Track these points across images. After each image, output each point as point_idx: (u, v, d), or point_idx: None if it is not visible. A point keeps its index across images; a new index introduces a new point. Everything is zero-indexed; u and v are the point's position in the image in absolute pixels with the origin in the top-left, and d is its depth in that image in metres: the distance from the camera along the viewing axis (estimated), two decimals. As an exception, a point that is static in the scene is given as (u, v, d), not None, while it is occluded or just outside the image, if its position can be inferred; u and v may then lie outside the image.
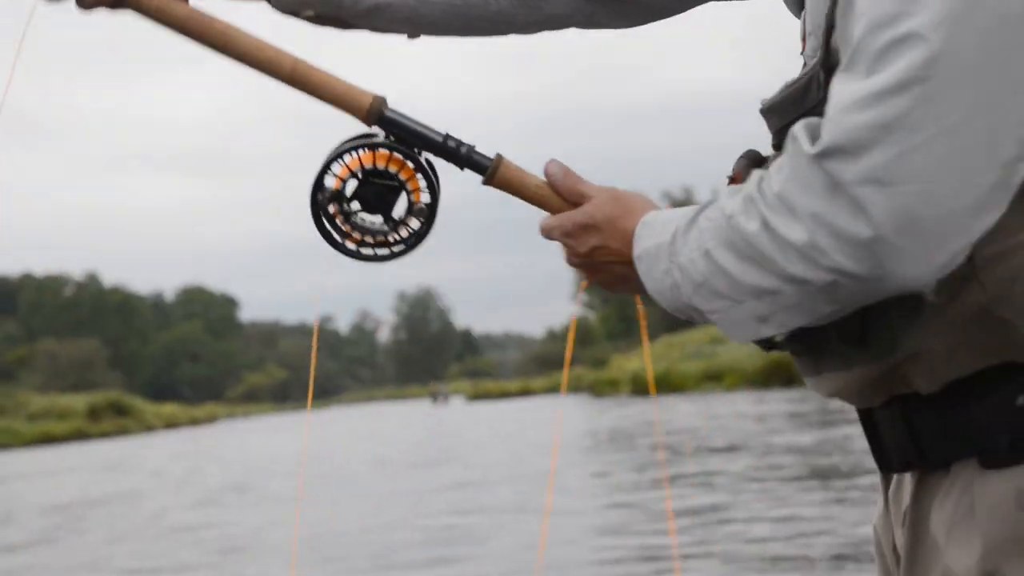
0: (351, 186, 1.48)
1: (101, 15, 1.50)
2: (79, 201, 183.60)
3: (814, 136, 1.16)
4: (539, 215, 1.51)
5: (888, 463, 1.38)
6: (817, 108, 1.24)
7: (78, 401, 66.30)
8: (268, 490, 18.20)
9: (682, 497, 11.91)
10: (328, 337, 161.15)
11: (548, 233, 1.47)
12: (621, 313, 74.98)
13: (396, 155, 1.47)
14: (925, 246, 1.12)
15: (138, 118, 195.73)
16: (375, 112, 1.47)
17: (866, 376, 1.32)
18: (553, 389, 70.68)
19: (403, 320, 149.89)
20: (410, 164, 1.47)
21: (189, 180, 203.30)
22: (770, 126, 1.40)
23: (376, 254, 1.50)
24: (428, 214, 1.50)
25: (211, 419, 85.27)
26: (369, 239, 1.50)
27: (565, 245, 1.47)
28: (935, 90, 1.10)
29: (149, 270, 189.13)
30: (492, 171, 1.48)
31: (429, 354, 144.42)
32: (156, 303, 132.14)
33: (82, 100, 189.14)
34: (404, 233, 1.50)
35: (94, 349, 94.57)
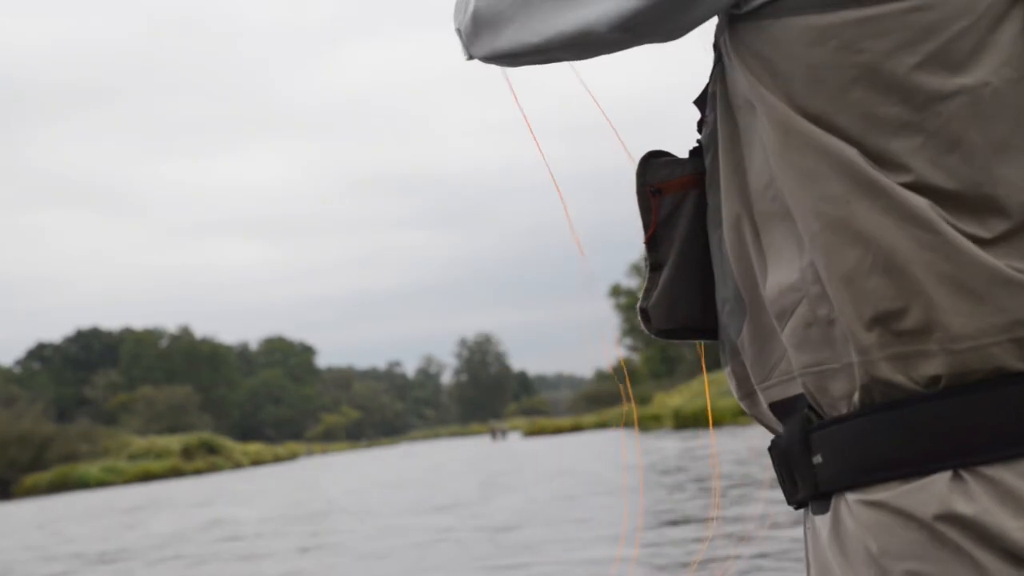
0: None
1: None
2: (172, 264, 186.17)
3: None
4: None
5: (789, 497, 1.30)
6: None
7: (173, 442, 67.12)
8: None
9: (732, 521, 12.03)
10: (396, 380, 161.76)
11: None
12: (662, 354, 74.96)
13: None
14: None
15: (220, 189, 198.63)
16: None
17: (732, 372, 1.28)
18: (602, 424, 70.66)
19: (464, 364, 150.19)
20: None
21: (268, 243, 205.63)
22: None
23: None
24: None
25: (293, 456, 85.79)
26: None
27: None
28: None
29: (235, 323, 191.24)
30: None
31: (488, 394, 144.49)
32: (242, 352, 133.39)
33: (170, 173, 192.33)
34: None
35: (187, 395, 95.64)
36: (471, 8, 1.29)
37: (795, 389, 1.19)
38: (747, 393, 1.27)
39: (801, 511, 1.26)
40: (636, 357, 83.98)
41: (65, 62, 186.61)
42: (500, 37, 1.27)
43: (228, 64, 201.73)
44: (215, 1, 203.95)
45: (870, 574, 1.12)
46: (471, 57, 1.34)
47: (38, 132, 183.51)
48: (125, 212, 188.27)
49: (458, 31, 1.34)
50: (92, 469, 58.33)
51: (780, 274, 1.17)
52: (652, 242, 1.32)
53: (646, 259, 1.34)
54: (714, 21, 1.24)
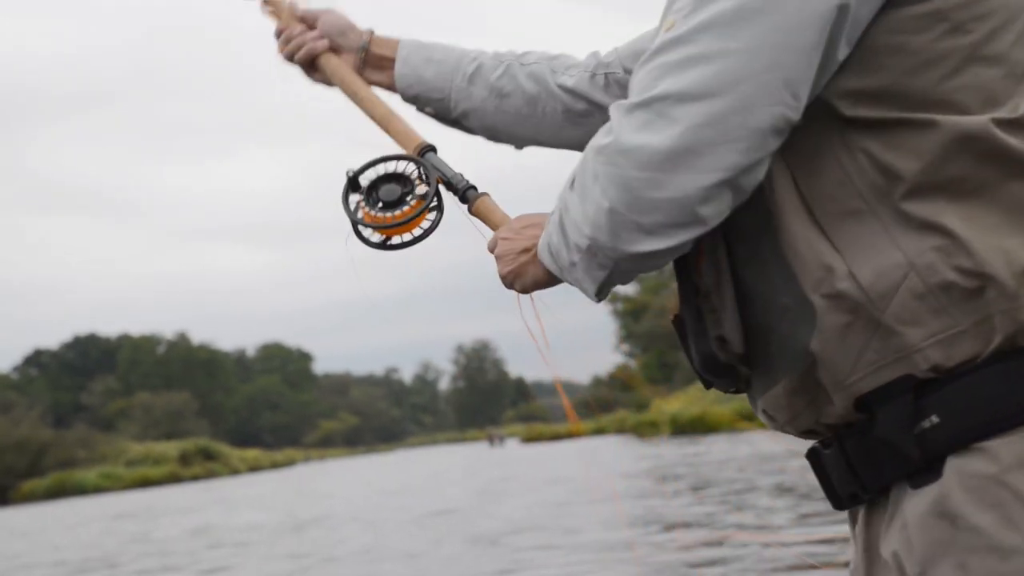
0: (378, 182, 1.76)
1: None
2: (169, 269, 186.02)
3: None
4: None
5: (838, 500, 1.33)
6: None
7: (171, 448, 66.88)
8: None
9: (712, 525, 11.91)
10: (393, 386, 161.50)
11: (490, 248, 1.61)
12: (660, 361, 74.76)
13: (420, 171, 1.72)
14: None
15: (219, 191, 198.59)
16: (421, 148, 1.73)
17: (790, 388, 1.30)
18: (600, 431, 70.48)
19: (462, 370, 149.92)
20: (425, 182, 1.72)
21: (266, 247, 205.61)
22: None
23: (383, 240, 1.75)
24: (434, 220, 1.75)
25: (290, 463, 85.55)
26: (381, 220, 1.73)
27: (496, 259, 1.58)
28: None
29: (232, 329, 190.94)
30: (473, 202, 1.69)
31: (486, 400, 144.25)
32: (239, 359, 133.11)
33: (170, 177, 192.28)
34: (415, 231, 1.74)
35: (184, 401, 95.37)
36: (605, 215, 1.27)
37: (886, 376, 1.23)
38: (807, 403, 1.29)
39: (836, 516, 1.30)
40: (633, 364, 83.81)
41: (64, 65, 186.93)
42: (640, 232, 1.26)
43: (227, 65, 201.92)
44: (214, 3, 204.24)
45: (1013, 514, 1.16)
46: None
47: (37, 135, 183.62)
48: (124, 216, 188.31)
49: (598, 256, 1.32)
50: (90, 475, 58.09)
51: (872, 262, 1.22)
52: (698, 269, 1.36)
53: (696, 285, 1.35)
54: None
